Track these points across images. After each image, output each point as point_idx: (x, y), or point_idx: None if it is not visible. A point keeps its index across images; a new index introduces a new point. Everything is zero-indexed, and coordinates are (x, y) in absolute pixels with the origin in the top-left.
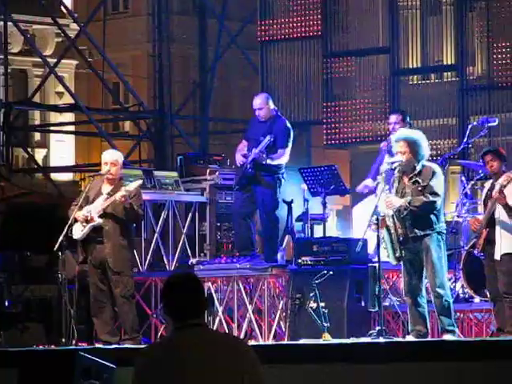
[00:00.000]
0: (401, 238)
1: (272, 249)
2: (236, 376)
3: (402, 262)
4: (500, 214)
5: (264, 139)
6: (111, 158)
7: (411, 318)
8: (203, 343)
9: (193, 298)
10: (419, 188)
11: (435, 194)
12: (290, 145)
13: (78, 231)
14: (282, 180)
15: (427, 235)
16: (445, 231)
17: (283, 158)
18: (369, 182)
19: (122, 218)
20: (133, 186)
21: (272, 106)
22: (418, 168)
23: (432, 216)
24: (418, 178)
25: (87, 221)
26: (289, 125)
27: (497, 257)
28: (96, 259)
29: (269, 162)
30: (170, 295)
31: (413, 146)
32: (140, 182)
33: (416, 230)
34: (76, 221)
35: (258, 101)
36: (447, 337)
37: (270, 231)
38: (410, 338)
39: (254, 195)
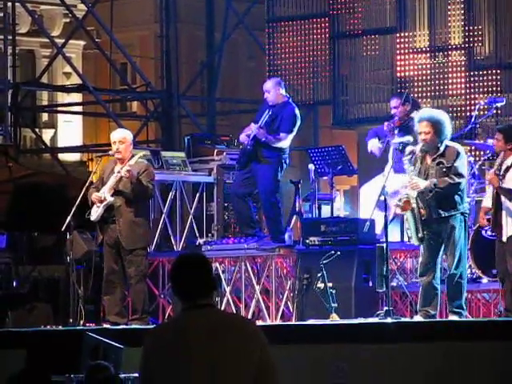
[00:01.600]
0: (423, 218)
1: (276, 229)
2: (244, 357)
3: (416, 243)
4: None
5: (264, 114)
6: (119, 136)
7: (422, 298)
8: (211, 324)
9: (201, 279)
10: (444, 169)
11: (460, 175)
12: (294, 132)
13: (94, 213)
14: (284, 164)
15: (451, 216)
16: (468, 211)
17: (284, 142)
18: (374, 142)
19: (132, 194)
20: (133, 160)
21: (283, 92)
22: (442, 148)
23: (456, 197)
24: (442, 159)
25: (101, 201)
26: (297, 112)
27: (503, 239)
28: (111, 239)
29: (269, 142)
30: (178, 275)
31: (436, 125)
32: (140, 154)
33: (441, 211)
34: (93, 203)
35: (267, 84)
36: (453, 318)
37: (272, 213)
38: (417, 317)
39: (253, 175)
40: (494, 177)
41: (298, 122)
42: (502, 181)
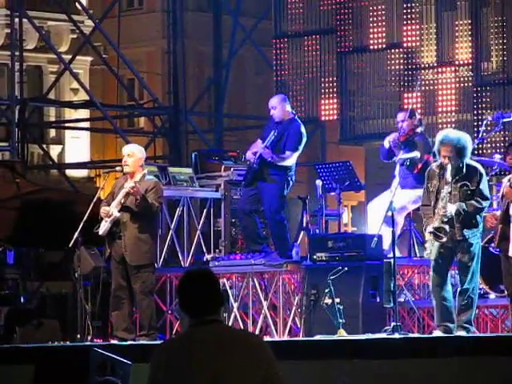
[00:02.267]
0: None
1: (283, 247)
2: (252, 372)
3: (434, 259)
4: None
5: (270, 138)
6: (128, 150)
7: (438, 313)
8: (218, 339)
9: (209, 295)
10: (468, 191)
11: (486, 197)
12: (300, 150)
13: (102, 227)
14: (291, 182)
15: (473, 236)
16: (483, 228)
17: (289, 161)
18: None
19: (137, 210)
20: (138, 176)
21: (288, 108)
22: (464, 170)
23: (478, 217)
24: (465, 181)
25: (109, 216)
26: (303, 130)
27: (510, 254)
28: (117, 254)
29: (275, 162)
30: (185, 291)
31: (459, 151)
32: (144, 171)
33: (465, 233)
34: (102, 218)
35: (272, 100)
36: (460, 333)
37: (277, 230)
38: (437, 332)
39: (260, 193)
40: (510, 190)
41: (304, 140)
42: None
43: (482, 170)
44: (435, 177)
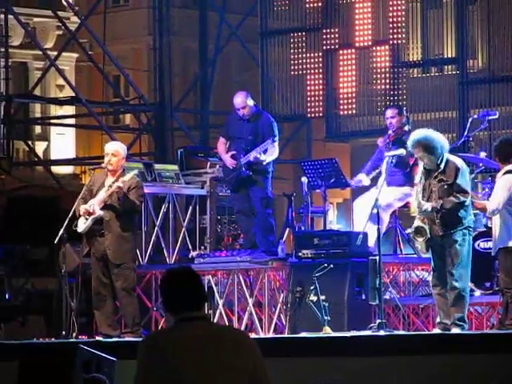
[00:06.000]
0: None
1: (269, 242)
2: (239, 369)
3: (431, 256)
4: None
5: (265, 142)
6: (112, 148)
7: (439, 311)
8: (205, 336)
9: (191, 292)
10: (445, 186)
11: (464, 192)
12: (278, 138)
13: (82, 224)
14: (270, 173)
15: (455, 232)
16: (472, 224)
17: (275, 154)
18: (363, 176)
19: (121, 208)
20: (128, 176)
21: (252, 102)
22: (442, 165)
23: (461, 212)
24: (442, 176)
25: (90, 214)
26: (271, 118)
27: (493, 252)
28: (98, 252)
29: (269, 160)
30: (168, 290)
31: (428, 147)
32: (134, 171)
33: (446, 229)
34: (80, 215)
35: (238, 100)
36: (455, 330)
37: (266, 225)
38: (436, 330)
39: (249, 195)
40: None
41: (276, 126)
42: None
43: (460, 164)
44: (422, 177)
